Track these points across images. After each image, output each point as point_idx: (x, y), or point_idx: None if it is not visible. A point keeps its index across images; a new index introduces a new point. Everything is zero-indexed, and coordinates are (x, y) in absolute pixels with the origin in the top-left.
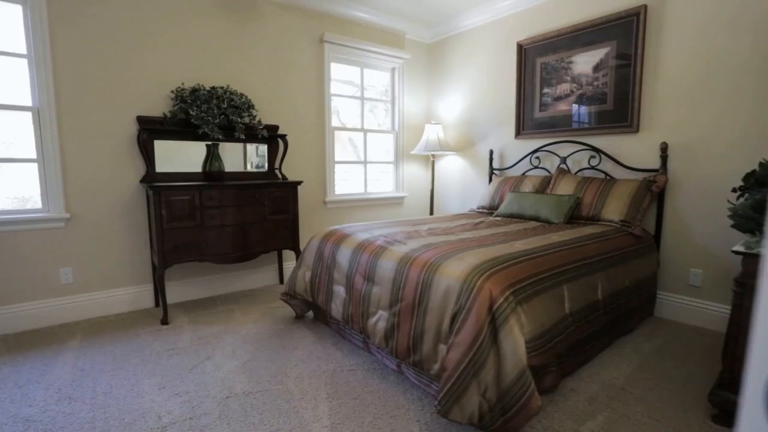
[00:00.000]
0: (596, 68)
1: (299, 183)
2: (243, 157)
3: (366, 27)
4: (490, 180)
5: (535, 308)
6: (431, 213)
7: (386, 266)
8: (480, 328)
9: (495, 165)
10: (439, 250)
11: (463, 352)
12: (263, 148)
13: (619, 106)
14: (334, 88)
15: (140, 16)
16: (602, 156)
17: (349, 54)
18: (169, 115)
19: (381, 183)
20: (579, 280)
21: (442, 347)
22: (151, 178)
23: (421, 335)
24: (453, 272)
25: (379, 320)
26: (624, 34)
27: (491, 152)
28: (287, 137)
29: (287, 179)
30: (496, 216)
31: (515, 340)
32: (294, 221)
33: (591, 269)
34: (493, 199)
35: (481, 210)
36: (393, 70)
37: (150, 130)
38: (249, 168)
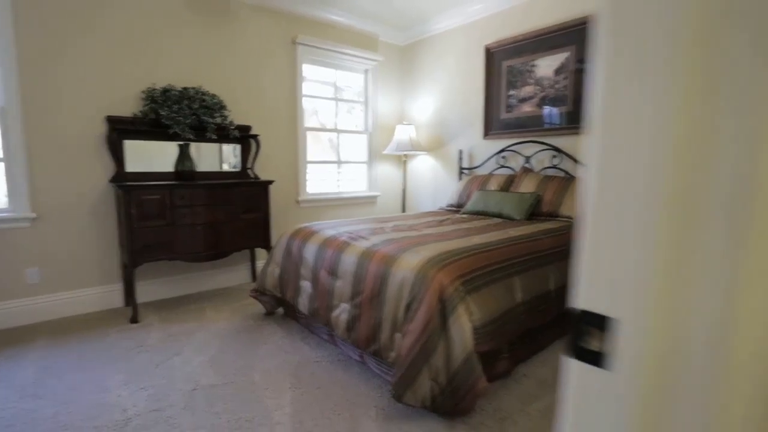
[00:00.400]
0: (557, 71)
1: (270, 182)
2: (219, 157)
3: (339, 29)
4: (460, 179)
5: (484, 297)
6: (403, 211)
7: (348, 261)
8: (431, 316)
9: (464, 164)
10: (399, 245)
11: (415, 339)
12: (240, 149)
13: (578, 107)
14: (313, 89)
15: (111, 17)
16: (563, 155)
17: (323, 56)
18: (139, 115)
19: (357, 183)
20: (530, 272)
21: (398, 335)
22: (120, 177)
23: (379, 325)
24: (408, 264)
25: (342, 312)
26: (583, 39)
27: (460, 152)
28: (260, 137)
29: (259, 179)
30: (463, 213)
31: (462, 327)
32: (265, 220)
33: (542, 262)
34: (461, 197)
35: (449, 208)
36: (366, 71)
37: (120, 130)
38: (226, 168)
